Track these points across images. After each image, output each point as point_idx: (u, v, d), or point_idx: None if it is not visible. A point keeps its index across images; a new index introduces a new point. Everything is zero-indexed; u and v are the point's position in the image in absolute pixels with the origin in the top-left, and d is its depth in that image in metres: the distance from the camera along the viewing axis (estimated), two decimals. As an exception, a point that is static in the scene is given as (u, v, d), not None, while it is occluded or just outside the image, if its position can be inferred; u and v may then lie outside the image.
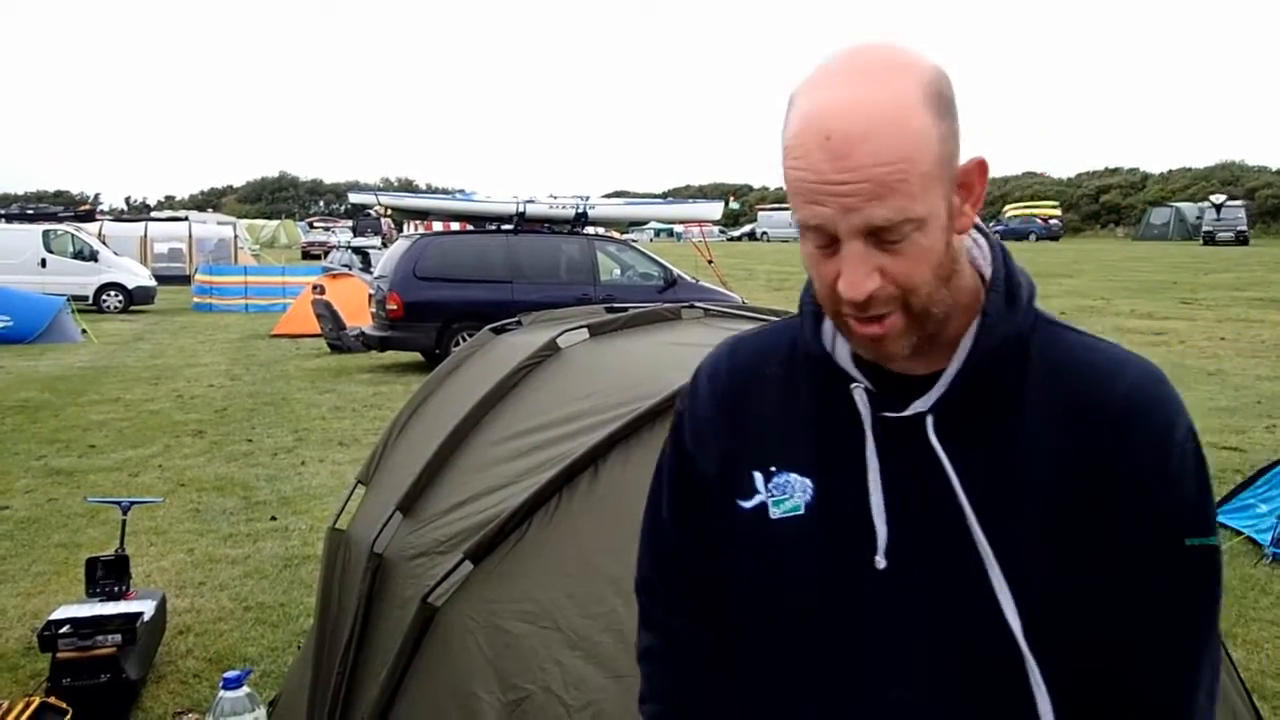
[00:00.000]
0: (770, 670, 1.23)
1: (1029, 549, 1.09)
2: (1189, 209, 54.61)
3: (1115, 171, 73.70)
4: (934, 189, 1.04)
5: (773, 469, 1.21)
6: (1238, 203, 49.59)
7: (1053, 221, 59.90)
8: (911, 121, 1.02)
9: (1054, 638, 1.10)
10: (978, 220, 1.17)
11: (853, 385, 1.16)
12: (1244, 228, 47.24)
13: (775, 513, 1.19)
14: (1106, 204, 68.04)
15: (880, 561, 1.13)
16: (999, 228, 60.27)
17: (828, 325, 1.20)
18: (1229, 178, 63.36)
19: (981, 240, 1.20)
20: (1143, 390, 1.12)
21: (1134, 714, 1.12)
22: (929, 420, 1.13)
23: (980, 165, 1.11)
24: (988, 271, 1.17)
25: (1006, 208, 65.86)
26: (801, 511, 1.18)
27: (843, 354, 1.19)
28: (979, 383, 1.13)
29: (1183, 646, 1.12)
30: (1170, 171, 69.64)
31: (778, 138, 1.10)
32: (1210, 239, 46.67)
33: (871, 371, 1.16)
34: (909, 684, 1.13)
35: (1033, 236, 57.02)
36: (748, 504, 1.22)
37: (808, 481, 1.19)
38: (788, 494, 1.19)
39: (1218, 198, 49.48)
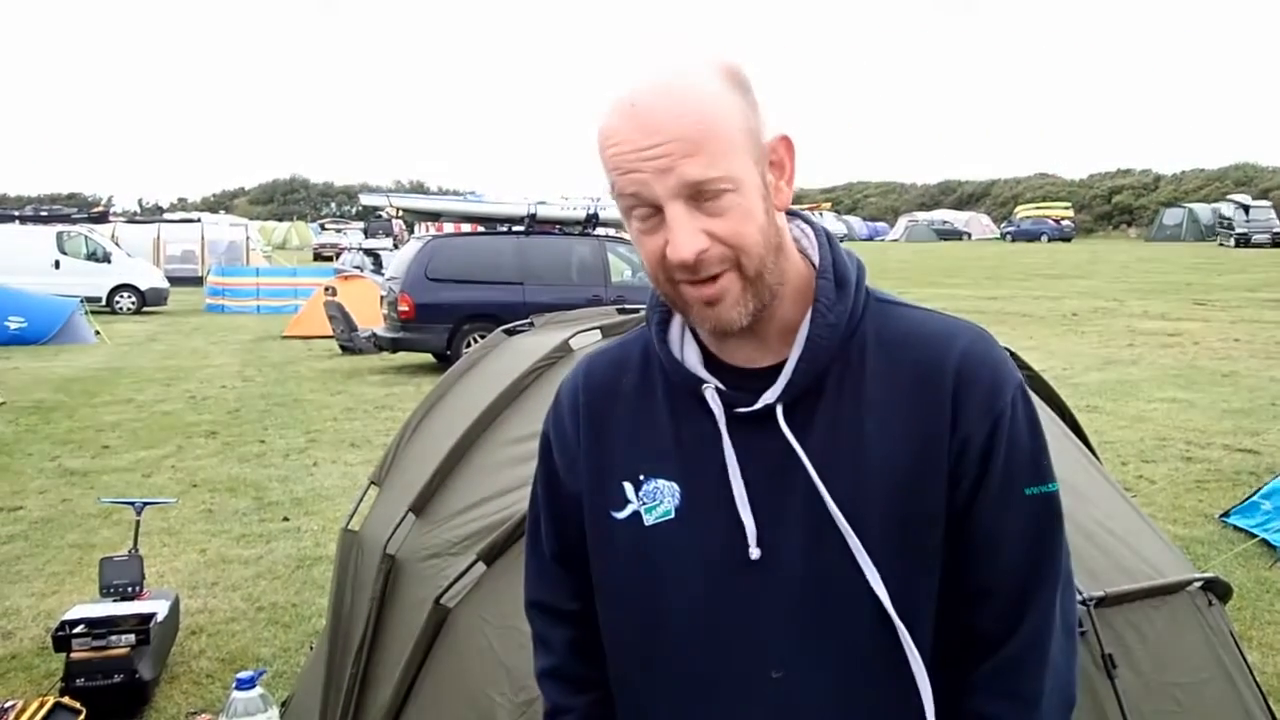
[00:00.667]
0: (658, 672, 1.25)
1: (885, 521, 1.15)
2: (1202, 210, 54.35)
3: (1128, 172, 73.40)
4: (742, 155, 1.10)
5: (641, 477, 1.24)
6: (1266, 203, 48.84)
7: (1065, 222, 59.69)
8: (709, 88, 1.09)
9: (917, 600, 1.16)
10: (802, 211, 1.26)
11: (703, 386, 1.20)
12: (1279, 229, 46.19)
13: (648, 519, 1.23)
14: (1119, 205, 67.80)
15: (754, 552, 1.17)
16: (1011, 228, 60.19)
17: (674, 330, 1.26)
18: (1243, 178, 63.06)
19: (808, 229, 1.26)
20: (973, 354, 1.18)
21: (996, 659, 1.19)
22: (779, 410, 1.17)
23: (786, 141, 1.17)
24: (815, 257, 1.23)
25: (1018, 209, 65.69)
26: (673, 516, 1.22)
27: (691, 357, 1.23)
28: (820, 368, 1.18)
29: (1036, 587, 1.19)
30: (1183, 172, 69.36)
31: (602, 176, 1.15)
32: (1244, 242, 45.12)
33: (720, 371, 1.22)
34: (793, 664, 1.17)
35: (1045, 237, 56.83)
36: (621, 514, 1.25)
37: (675, 486, 1.22)
38: (658, 500, 1.23)
39: (1241, 197, 48.84)
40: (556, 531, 1.38)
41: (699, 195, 1.08)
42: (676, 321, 1.26)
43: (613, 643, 1.32)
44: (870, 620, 1.15)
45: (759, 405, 1.18)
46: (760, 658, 1.18)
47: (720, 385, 1.20)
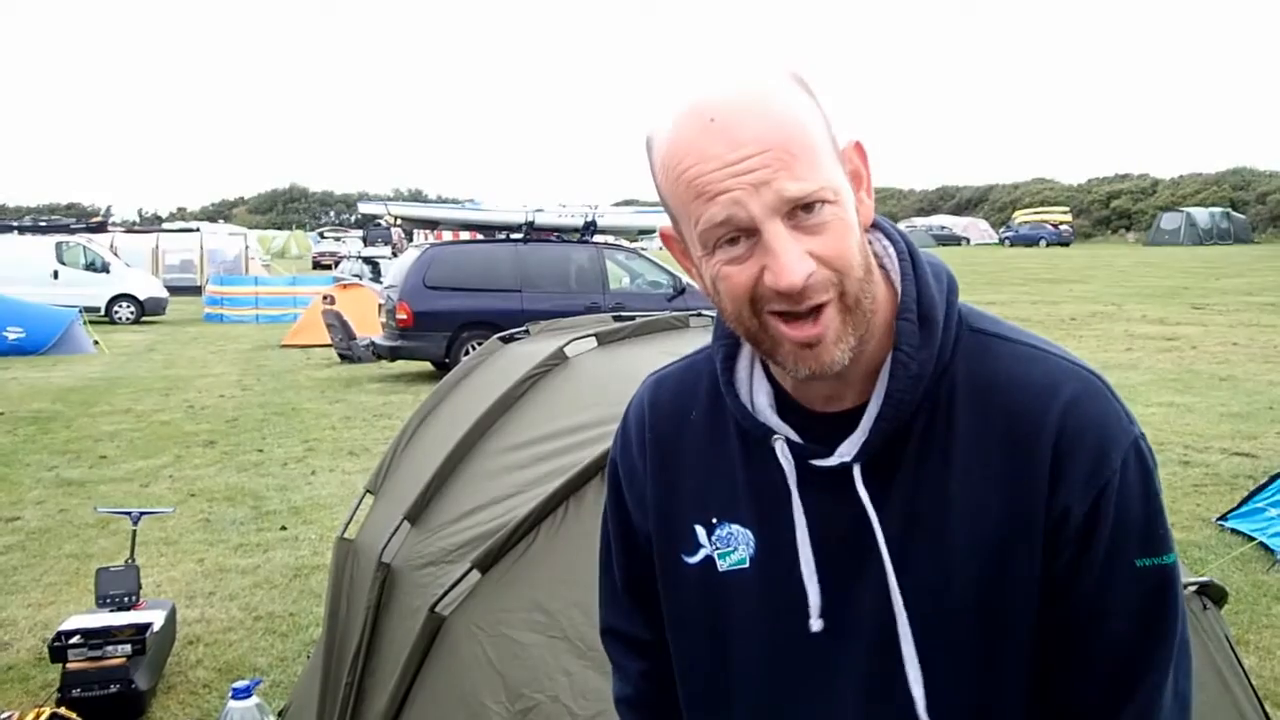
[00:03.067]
0: (716, 713, 1.19)
1: (956, 593, 1.04)
2: (1200, 214, 54.39)
3: (1125, 177, 73.42)
4: (833, 163, 1.00)
5: (714, 520, 1.16)
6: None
7: (1063, 227, 59.71)
8: (785, 93, 0.99)
9: (971, 693, 1.05)
10: (881, 220, 1.12)
11: (773, 439, 1.09)
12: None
13: (722, 565, 1.15)
14: (1117, 209, 67.80)
15: (815, 624, 1.08)
16: (1009, 233, 60.21)
17: (742, 368, 1.14)
18: (1240, 183, 63.08)
19: (888, 244, 1.11)
20: (1077, 411, 1.03)
21: None
22: (856, 470, 1.06)
23: (858, 147, 1.06)
24: (897, 281, 1.08)
25: (1017, 213, 65.68)
26: (747, 565, 1.13)
27: (762, 399, 1.12)
28: (901, 423, 1.05)
29: (1143, 671, 1.04)
30: (1181, 177, 69.28)
31: (652, 183, 1.05)
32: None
33: (794, 414, 1.10)
34: None
35: (1043, 242, 56.84)
36: (692, 559, 1.17)
37: (749, 533, 1.13)
38: (732, 546, 1.14)
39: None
40: (627, 563, 1.30)
41: (797, 211, 0.96)
42: (744, 356, 1.14)
43: (683, 683, 1.25)
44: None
45: (834, 461, 1.06)
46: None
47: (792, 435, 1.09)
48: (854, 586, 1.07)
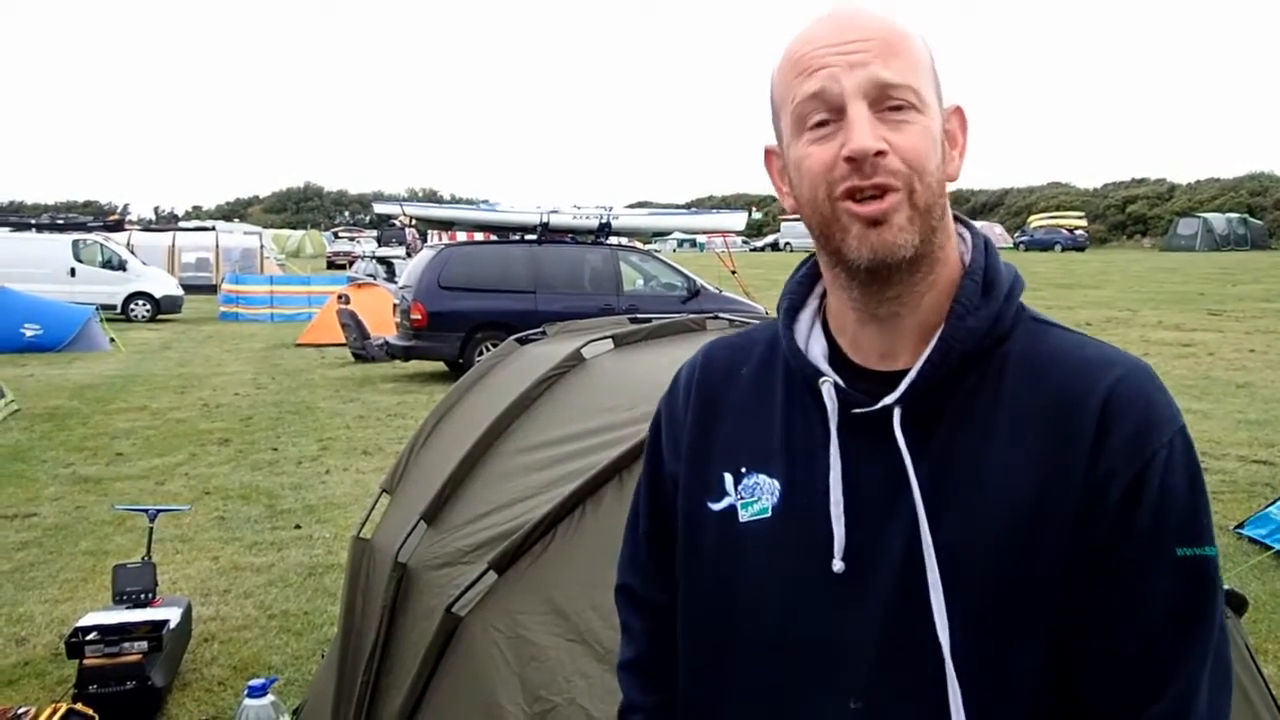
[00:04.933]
0: (731, 679, 1.18)
1: (988, 569, 1.03)
2: (1217, 220, 54.11)
3: (1142, 182, 73.13)
4: (930, 85, 1.07)
5: (743, 470, 1.17)
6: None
7: (1079, 232, 59.49)
8: (906, 25, 1.07)
9: (991, 657, 1.03)
10: (963, 217, 1.17)
11: (821, 380, 1.12)
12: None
13: (744, 515, 1.16)
14: (1133, 214, 67.51)
15: (838, 565, 1.09)
16: (1024, 238, 59.99)
17: (804, 320, 1.19)
18: (1257, 188, 62.74)
19: (965, 232, 1.17)
20: (1128, 386, 1.04)
21: None
22: (895, 413, 1.07)
23: (960, 112, 1.12)
24: (968, 254, 1.14)
25: (1032, 218, 65.47)
26: (769, 514, 1.14)
27: (816, 350, 1.16)
28: (949, 373, 1.07)
29: (1177, 666, 1.02)
30: (1198, 182, 68.99)
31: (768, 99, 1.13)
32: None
33: (845, 369, 1.13)
34: (872, 696, 1.08)
35: (1058, 247, 56.64)
36: (716, 506, 1.19)
37: (775, 483, 1.15)
38: (756, 496, 1.16)
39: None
40: (653, 513, 1.32)
41: (884, 101, 1.03)
42: (808, 311, 1.20)
43: (689, 638, 1.24)
44: (926, 666, 1.04)
45: (876, 406, 1.08)
46: (838, 683, 1.09)
47: (840, 382, 1.11)
48: (881, 534, 1.07)
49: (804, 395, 1.15)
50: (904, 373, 1.09)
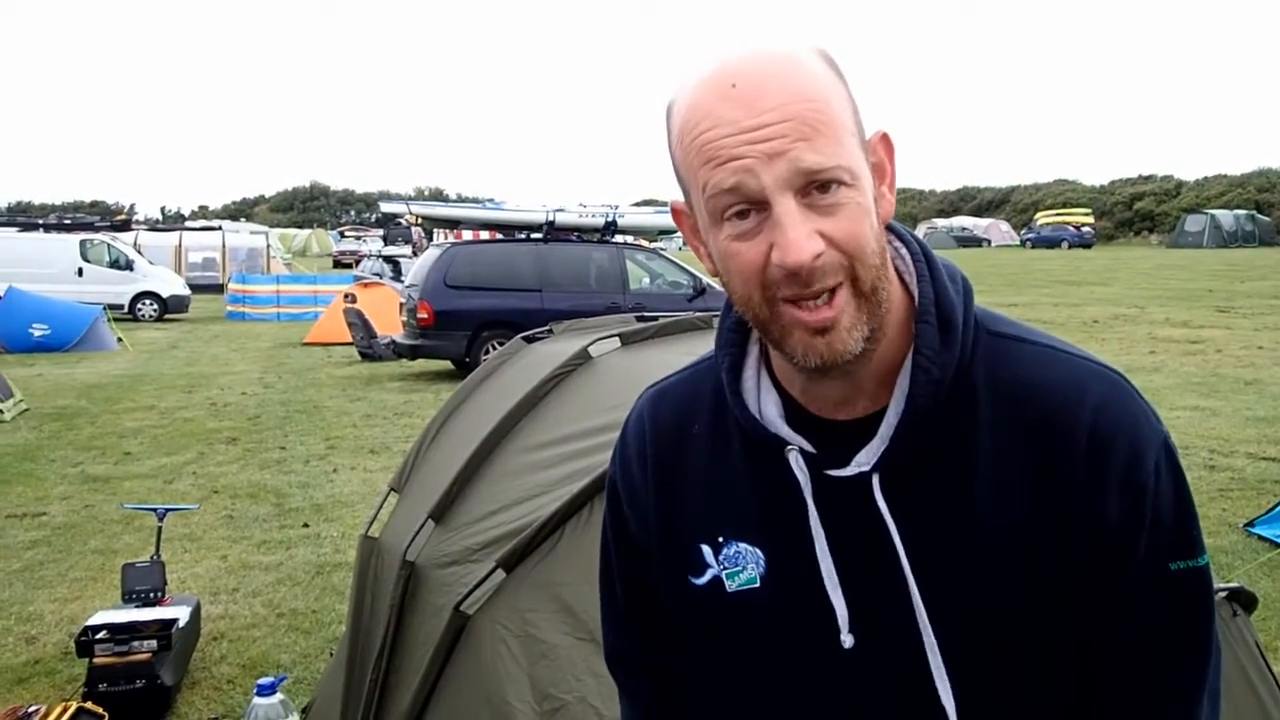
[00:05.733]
0: None
1: (980, 610, 1.01)
2: (1225, 216, 53.95)
3: (1149, 178, 72.90)
4: (853, 144, 0.94)
5: (720, 539, 1.10)
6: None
7: (1085, 229, 59.34)
8: (812, 66, 0.94)
9: (1001, 709, 1.02)
10: (893, 224, 1.07)
11: (787, 449, 1.05)
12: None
13: (730, 586, 1.09)
14: (1140, 211, 67.33)
15: (846, 640, 1.04)
16: (1031, 235, 59.89)
17: (749, 376, 1.10)
18: (1265, 184, 62.52)
19: (901, 247, 1.07)
20: (1109, 413, 1.00)
21: None
22: (875, 480, 1.02)
23: (885, 139, 1.01)
24: (913, 284, 1.05)
25: (1039, 215, 65.35)
26: (757, 585, 1.08)
27: (771, 410, 1.07)
28: (923, 431, 1.01)
29: (1177, 679, 1.03)
30: (1205, 178, 68.77)
31: (667, 151, 1.00)
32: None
33: (804, 423, 1.06)
34: None
35: (1065, 244, 56.52)
36: (700, 580, 1.11)
37: (758, 551, 1.08)
38: (741, 566, 1.09)
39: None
40: (632, 585, 1.24)
41: (811, 188, 0.92)
42: (751, 363, 1.10)
43: (698, 705, 1.19)
44: None
45: (852, 470, 1.02)
46: None
47: (806, 445, 1.04)
48: (875, 599, 1.03)
49: (768, 457, 1.07)
50: (867, 420, 1.03)
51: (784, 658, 1.08)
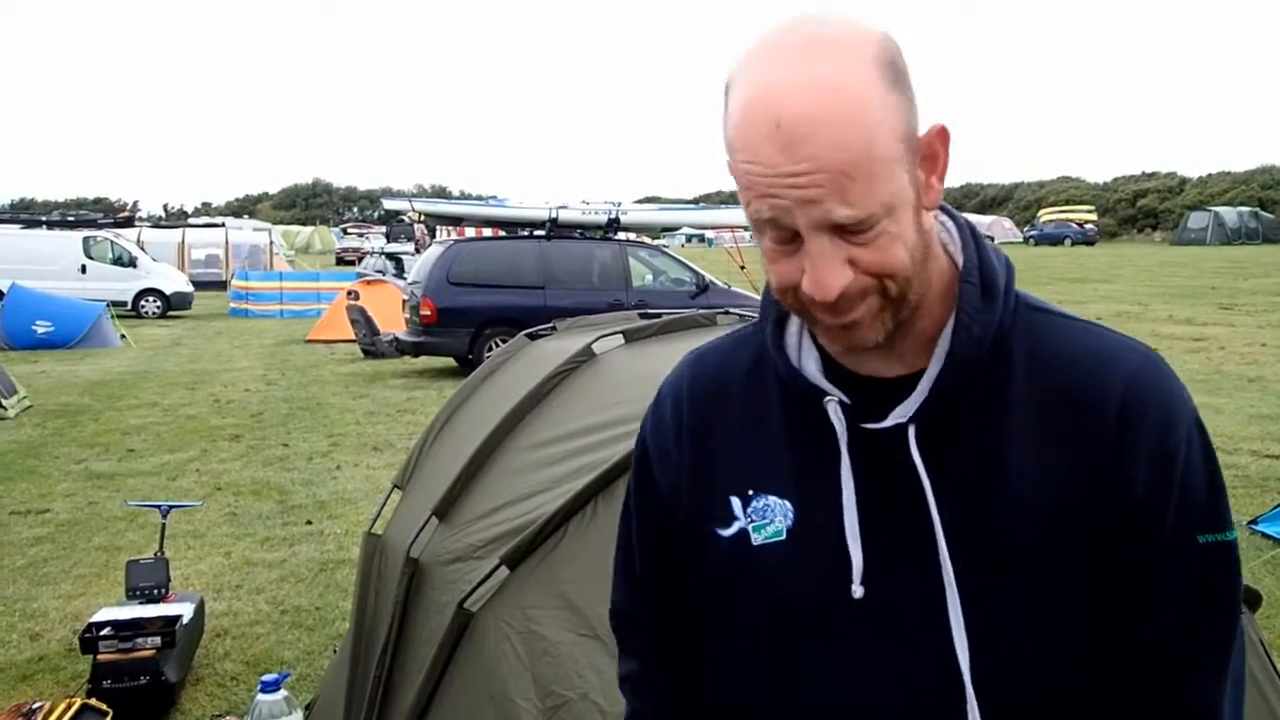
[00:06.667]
0: (761, 700, 1.15)
1: (1005, 574, 1.03)
2: (1228, 213, 53.85)
3: (1152, 175, 72.79)
4: (898, 170, 0.96)
5: (750, 492, 1.13)
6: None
7: (1088, 226, 59.21)
8: (868, 99, 0.93)
9: (1017, 675, 1.03)
10: (945, 205, 1.11)
11: (825, 400, 1.08)
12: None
13: (757, 539, 1.12)
14: (1143, 208, 67.23)
15: (856, 590, 1.06)
16: (1034, 232, 59.79)
17: (791, 333, 1.14)
18: (1269, 181, 62.41)
19: (948, 221, 1.11)
20: (1142, 382, 1.03)
21: None
22: (910, 431, 1.04)
23: (942, 132, 1.02)
24: (959, 256, 1.09)
25: (1041, 212, 65.21)
26: (783, 537, 1.10)
27: (811, 366, 1.11)
28: (961, 387, 1.04)
29: (1206, 646, 1.04)
30: (1209, 175, 68.66)
31: (719, 130, 1.01)
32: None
33: (843, 380, 1.09)
34: (885, 712, 1.07)
35: (1068, 241, 56.40)
36: (726, 532, 1.14)
37: (787, 504, 1.11)
38: (768, 519, 1.12)
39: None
40: (647, 544, 1.27)
41: (847, 226, 0.95)
42: (794, 322, 1.13)
43: (712, 664, 1.21)
44: (957, 696, 1.03)
45: (889, 423, 1.05)
46: (868, 705, 1.07)
47: (844, 399, 1.07)
48: (900, 552, 1.05)
49: (805, 412, 1.10)
50: (906, 378, 1.06)
51: (801, 609, 1.10)
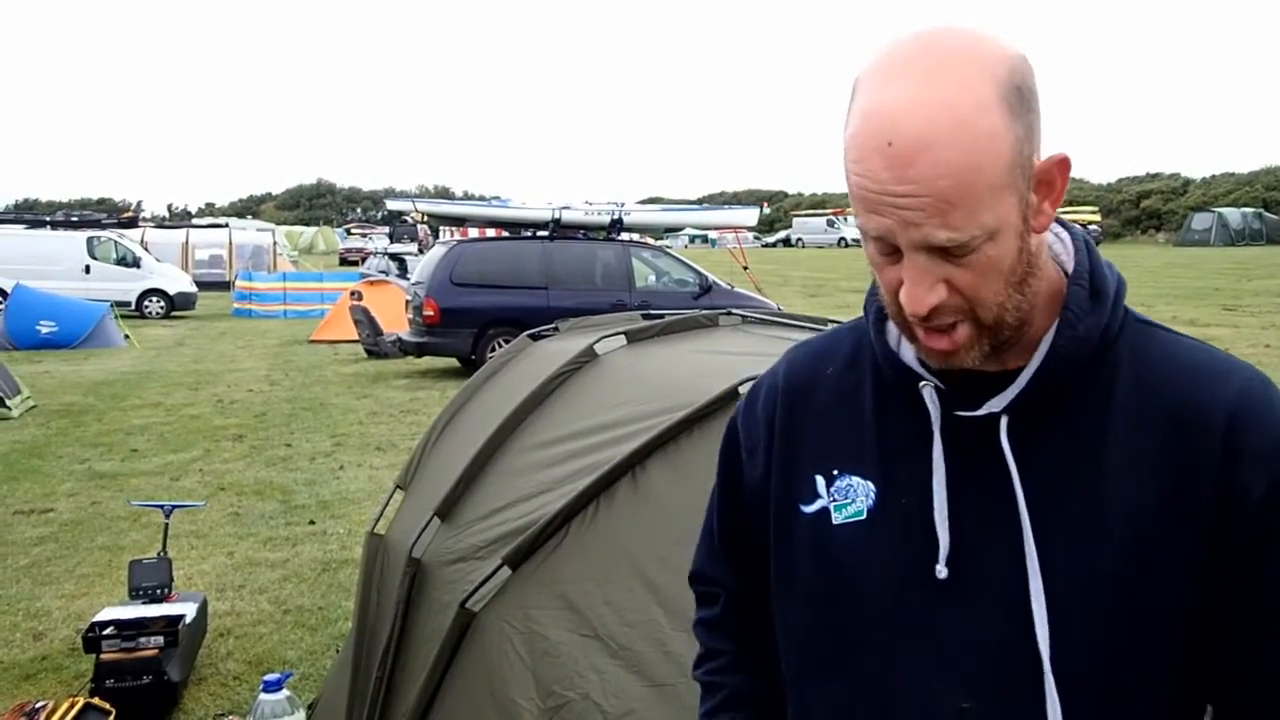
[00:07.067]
0: (835, 678, 1.17)
1: (1092, 574, 1.03)
2: (1232, 214, 53.75)
3: (1156, 177, 72.67)
4: (1005, 196, 0.97)
5: (834, 472, 1.16)
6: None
7: (1092, 227, 58.99)
8: (982, 125, 0.94)
9: (1097, 671, 1.03)
10: (1059, 218, 1.11)
11: (921, 384, 1.10)
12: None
13: (837, 518, 1.15)
14: (1147, 209, 67.12)
15: (941, 571, 1.07)
16: (1038, 232, 59.57)
17: (893, 327, 1.15)
18: (1273, 182, 62.29)
19: (1063, 233, 1.13)
20: (1251, 396, 1.03)
21: None
22: (1003, 421, 1.06)
23: (1063, 162, 1.02)
24: (1070, 266, 1.10)
25: (1045, 213, 65.03)
26: (864, 517, 1.13)
27: (909, 354, 1.13)
28: (1059, 383, 1.06)
29: None
30: (1213, 176, 68.53)
31: (840, 128, 1.03)
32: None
33: (939, 371, 1.10)
34: (983, 695, 1.07)
35: (1072, 242, 56.24)
36: (808, 509, 1.18)
37: (870, 485, 1.14)
38: (850, 498, 1.15)
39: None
40: (729, 523, 1.33)
41: (946, 249, 0.98)
42: None
43: (787, 640, 1.24)
44: (1037, 685, 1.03)
45: (982, 411, 1.07)
46: (947, 681, 1.08)
47: (940, 385, 1.10)
48: (984, 541, 1.07)
49: (898, 398, 1.13)
50: (1004, 374, 1.07)
51: (881, 588, 1.12)
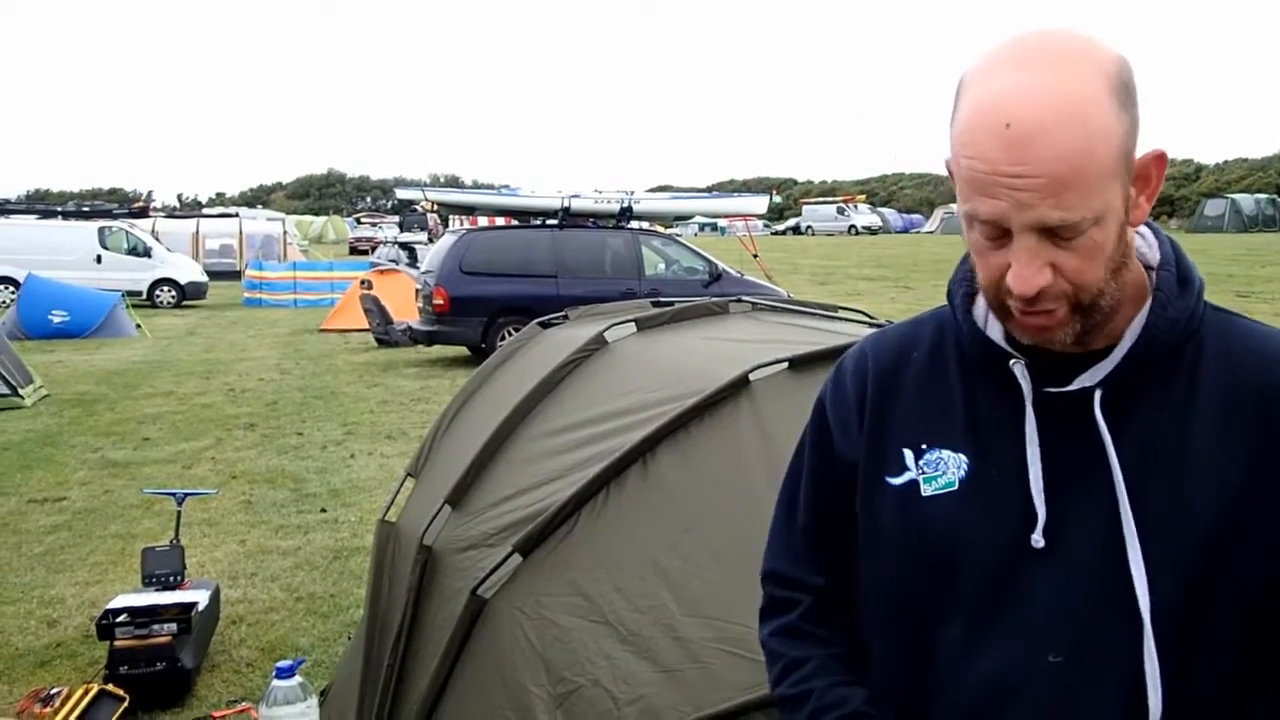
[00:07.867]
0: (922, 643, 1.19)
1: (1185, 539, 1.07)
2: (1245, 200, 53.43)
3: (1169, 162, 72.23)
4: (1112, 183, 1.03)
5: (923, 446, 1.20)
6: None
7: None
8: (1095, 114, 0.99)
9: (1190, 630, 1.08)
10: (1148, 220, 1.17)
11: (1012, 361, 1.14)
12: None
13: (926, 489, 1.18)
14: (1159, 195, 66.31)
15: (1038, 540, 1.11)
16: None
17: (980, 306, 1.20)
18: (1287, 168, 61.87)
19: (1148, 233, 1.18)
20: None
21: None
22: (1096, 395, 1.11)
23: (1160, 157, 1.09)
24: (1153, 259, 1.16)
25: (1056, 200, 64.77)
26: (956, 488, 1.17)
27: (996, 333, 1.17)
28: (1151, 362, 1.11)
29: None
30: (1225, 162, 68.08)
31: (946, 124, 1.08)
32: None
33: (1027, 350, 1.14)
34: (1072, 652, 1.11)
35: (1083, 229, 55.99)
36: (896, 481, 1.21)
37: (961, 457, 1.17)
38: (940, 470, 1.18)
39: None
40: (816, 500, 1.33)
41: (1055, 229, 1.02)
42: (983, 298, 1.19)
43: (872, 609, 1.26)
44: (1135, 644, 1.08)
45: (1074, 386, 1.11)
46: (1036, 641, 1.12)
47: (1029, 362, 1.14)
48: (1078, 511, 1.10)
49: (987, 376, 1.17)
50: (1090, 355, 1.12)
51: (974, 555, 1.15)
